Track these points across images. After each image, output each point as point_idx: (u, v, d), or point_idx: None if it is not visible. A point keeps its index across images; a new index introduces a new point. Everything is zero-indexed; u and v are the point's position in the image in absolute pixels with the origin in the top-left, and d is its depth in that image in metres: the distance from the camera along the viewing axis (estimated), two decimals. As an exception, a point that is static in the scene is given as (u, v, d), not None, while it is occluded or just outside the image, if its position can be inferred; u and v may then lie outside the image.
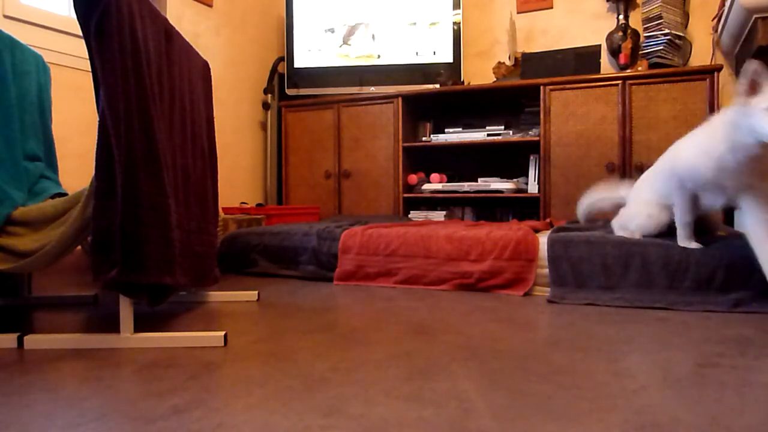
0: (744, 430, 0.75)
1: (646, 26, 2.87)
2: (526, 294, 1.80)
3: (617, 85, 2.76)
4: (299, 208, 3.24)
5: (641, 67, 2.84)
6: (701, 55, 2.99)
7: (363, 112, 3.34)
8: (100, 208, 1.13)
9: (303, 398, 0.88)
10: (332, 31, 3.45)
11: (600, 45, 2.93)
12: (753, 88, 1.36)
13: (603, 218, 2.28)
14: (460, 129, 3.23)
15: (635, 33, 3.02)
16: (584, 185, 2.82)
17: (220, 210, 2.85)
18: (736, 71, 2.84)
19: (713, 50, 2.95)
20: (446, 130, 3.25)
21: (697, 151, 1.55)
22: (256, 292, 1.78)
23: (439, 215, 3.21)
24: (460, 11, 3.31)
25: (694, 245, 1.66)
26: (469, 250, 1.94)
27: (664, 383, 0.94)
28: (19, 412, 0.84)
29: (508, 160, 3.36)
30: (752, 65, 1.34)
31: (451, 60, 3.32)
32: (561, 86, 2.87)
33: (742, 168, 1.46)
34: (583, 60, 2.91)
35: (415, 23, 3.36)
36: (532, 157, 3.05)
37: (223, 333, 1.22)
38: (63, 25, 2.22)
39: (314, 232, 2.23)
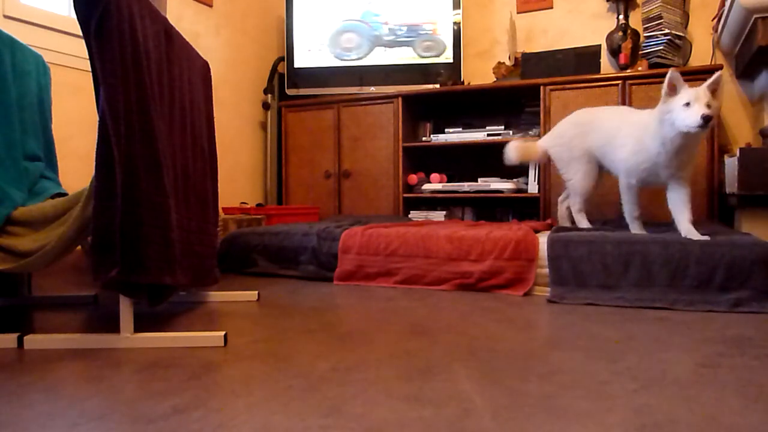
0: (744, 430, 0.75)
1: (646, 26, 2.87)
2: (526, 294, 1.80)
3: (617, 85, 2.76)
4: (299, 208, 3.24)
5: (641, 67, 2.84)
6: (701, 55, 2.98)
7: (363, 112, 3.34)
8: (100, 208, 1.13)
9: (303, 398, 0.88)
10: (332, 30, 3.45)
11: (600, 45, 2.93)
12: (672, 90, 1.72)
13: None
14: (460, 129, 3.23)
15: (635, 33, 3.02)
16: (584, 185, 2.81)
17: (220, 210, 2.85)
18: (737, 71, 2.84)
19: (713, 50, 2.95)
20: (446, 130, 3.25)
21: (639, 149, 1.87)
22: (256, 292, 1.78)
23: (439, 215, 3.21)
24: (460, 11, 3.31)
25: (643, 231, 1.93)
26: (469, 250, 1.94)
27: (664, 383, 0.94)
28: (19, 412, 0.84)
29: (508, 160, 3.35)
30: (670, 72, 1.70)
31: (451, 60, 3.32)
32: (561, 86, 2.87)
33: (673, 158, 1.79)
34: (583, 60, 2.91)
35: (415, 23, 3.36)
36: (532, 157, 3.05)
37: (223, 333, 1.22)
38: (63, 25, 2.22)
39: (314, 232, 2.23)
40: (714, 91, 1.68)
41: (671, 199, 1.86)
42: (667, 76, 1.71)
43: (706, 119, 1.61)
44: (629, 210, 1.96)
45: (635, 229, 1.95)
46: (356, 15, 3.43)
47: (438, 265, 1.97)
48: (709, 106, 1.64)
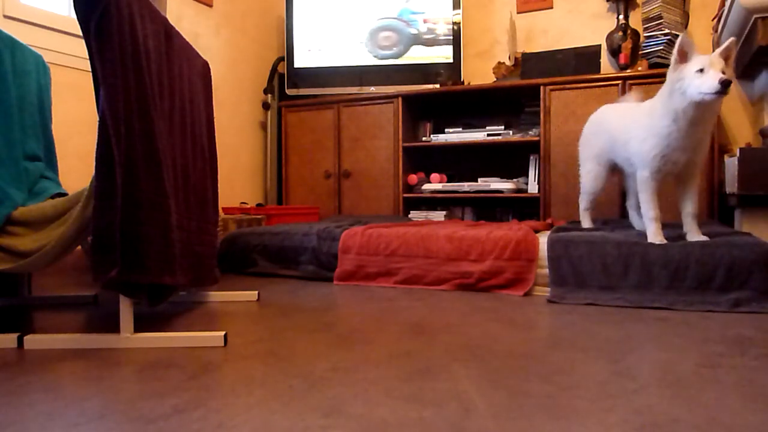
0: (744, 430, 0.75)
1: (646, 26, 2.87)
2: (526, 294, 1.80)
3: (617, 85, 2.76)
4: (299, 208, 3.24)
5: (641, 67, 2.84)
6: (701, 55, 2.98)
7: (363, 112, 3.34)
8: (100, 208, 1.13)
9: (303, 398, 0.88)
10: (332, 30, 3.45)
11: (600, 45, 2.93)
12: (682, 57, 1.61)
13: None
14: (460, 129, 3.23)
15: (635, 33, 3.02)
16: (584, 185, 2.81)
17: (220, 210, 2.85)
18: (737, 71, 2.83)
19: (713, 50, 2.95)
20: (446, 130, 3.25)
21: (646, 135, 1.75)
22: (256, 292, 1.78)
23: (439, 215, 3.21)
24: (460, 11, 3.31)
25: (664, 241, 1.73)
26: (469, 250, 1.94)
27: (664, 383, 0.94)
28: (20, 411, 0.84)
29: (508, 160, 3.36)
30: (681, 37, 1.59)
31: (451, 60, 3.32)
32: (561, 86, 2.87)
33: (687, 136, 1.66)
34: (583, 60, 2.91)
35: (415, 22, 3.36)
36: (532, 157, 3.05)
37: (223, 333, 1.22)
38: (63, 25, 2.22)
39: (314, 232, 2.23)
40: (727, 58, 1.57)
41: (680, 194, 1.79)
42: (678, 41, 1.59)
43: (725, 84, 1.49)
44: (645, 210, 1.77)
45: (652, 232, 1.74)
46: (356, 14, 3.42)
47: (438, 265, 1.97)
48: (723, 72, 1.53)
